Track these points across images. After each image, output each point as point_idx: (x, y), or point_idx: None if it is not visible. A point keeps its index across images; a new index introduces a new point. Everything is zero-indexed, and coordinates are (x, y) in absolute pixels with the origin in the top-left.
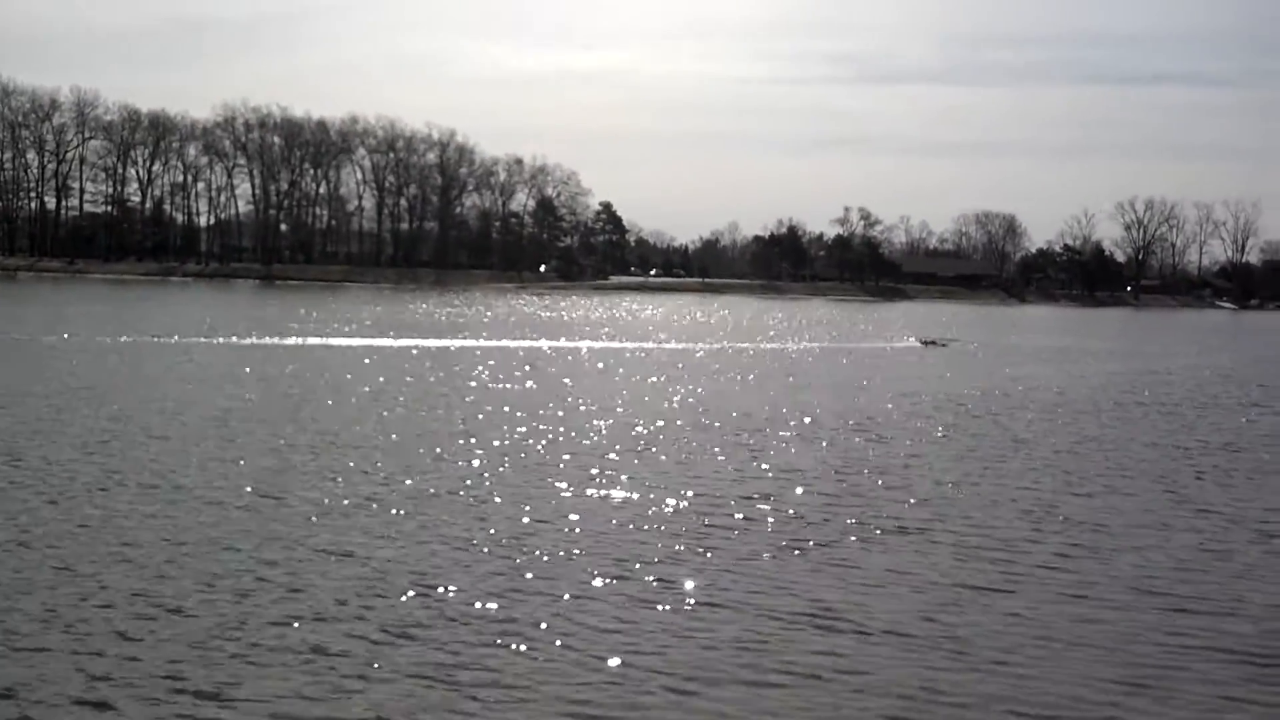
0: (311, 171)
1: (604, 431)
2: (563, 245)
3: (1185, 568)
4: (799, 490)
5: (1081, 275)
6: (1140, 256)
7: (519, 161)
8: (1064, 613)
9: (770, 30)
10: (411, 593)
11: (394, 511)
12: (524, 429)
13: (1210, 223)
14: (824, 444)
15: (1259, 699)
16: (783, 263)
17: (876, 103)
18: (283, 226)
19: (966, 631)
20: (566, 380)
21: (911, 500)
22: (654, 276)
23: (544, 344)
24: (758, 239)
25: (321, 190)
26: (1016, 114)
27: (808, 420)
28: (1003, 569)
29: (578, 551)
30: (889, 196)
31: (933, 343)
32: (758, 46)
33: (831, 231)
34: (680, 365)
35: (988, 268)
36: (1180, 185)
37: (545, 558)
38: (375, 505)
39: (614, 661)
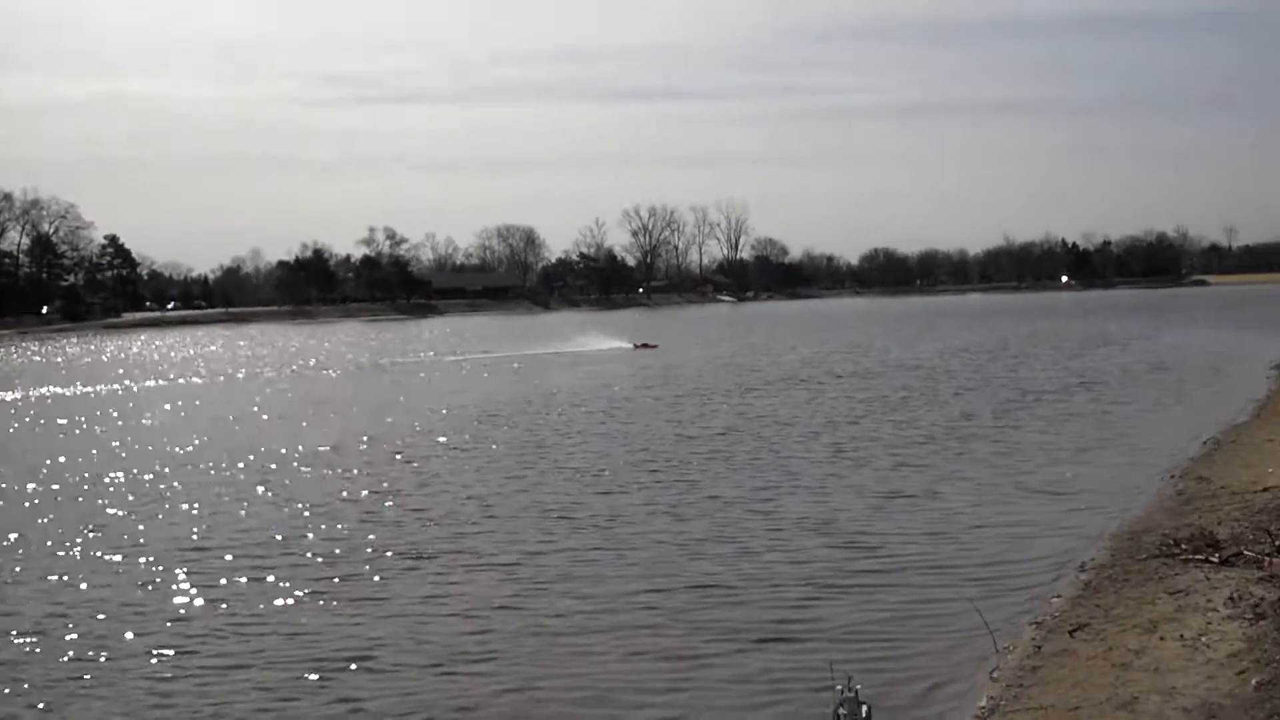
0: None
1: (120, 482)
2: (66, 284)
3: (695, 555)
4: (320, 525)
5: (598, 280)
6: (648, 259)
7: (7, 197)
8: (575, 623)
9: (277, 50)
10: None
11: None
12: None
13: (707, 224)
14: (354, 471)
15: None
16: (310, 287)
17: (392, 122)
18: None
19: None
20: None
21: (432, 522)
22: (172, 310)
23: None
24: (283, 264)
25: None
26: (528, 129)
27: (331, 448)
28: (518, 583)
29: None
30: (413, 214)
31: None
32: (266, 67)
33: (359, 252)
34: (198, 402)
35: (513, 279)
36: (679, 191)
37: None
38: None
39: None
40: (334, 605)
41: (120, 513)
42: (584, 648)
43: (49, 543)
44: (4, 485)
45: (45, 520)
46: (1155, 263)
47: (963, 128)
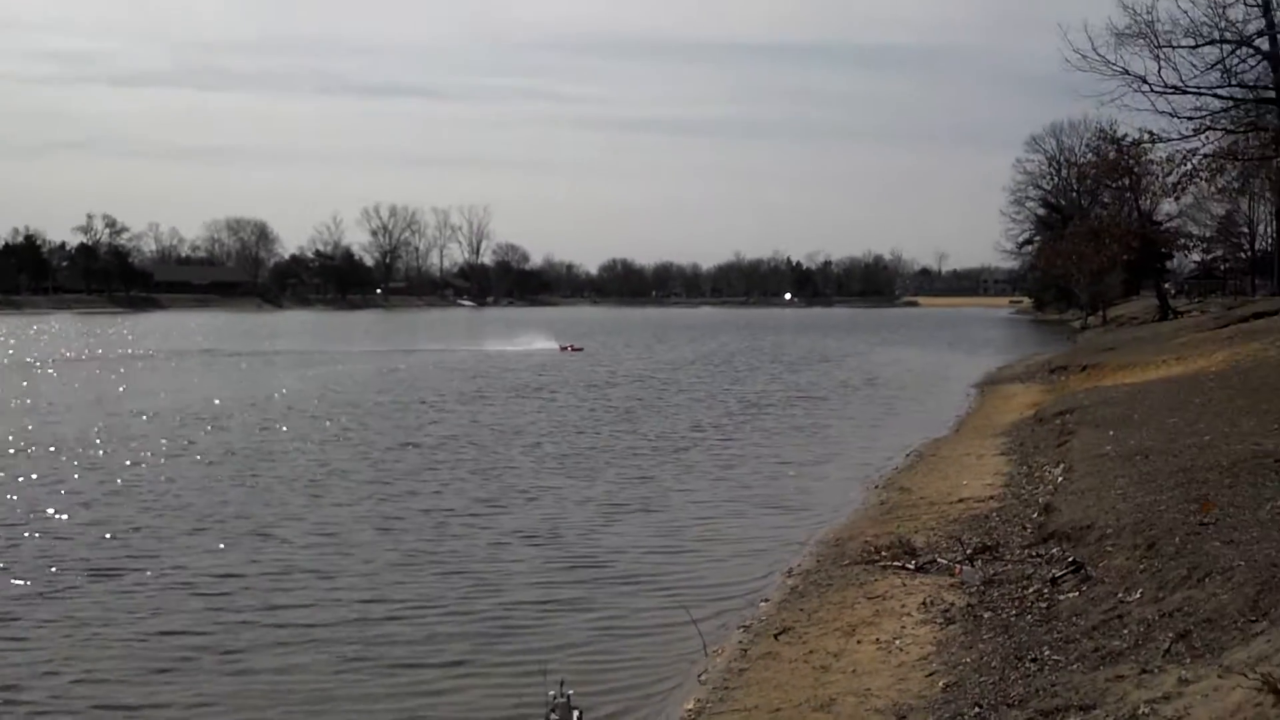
0: None
1: None
2: None
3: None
4: None
5: (335, 279)
6: (388, 260)
7: None
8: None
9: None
10: None
11: None
12: None
13: (449, 227)
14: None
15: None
16: (21, 275)
17: (113, 105)
18: None
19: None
20: None
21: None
22: None
23: None
24: None
25: None
26: (260, 120)
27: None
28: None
29: None
30: (136, 203)
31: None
32: None
33: (75, 240)
34: None
35: (243, 275)
36: (420, 192)
37: None
38: None
39: None
40: None
41: None
42: (284, 664)
43: None
44: None
45: None
46: (872, 283)
47: (700, 145)
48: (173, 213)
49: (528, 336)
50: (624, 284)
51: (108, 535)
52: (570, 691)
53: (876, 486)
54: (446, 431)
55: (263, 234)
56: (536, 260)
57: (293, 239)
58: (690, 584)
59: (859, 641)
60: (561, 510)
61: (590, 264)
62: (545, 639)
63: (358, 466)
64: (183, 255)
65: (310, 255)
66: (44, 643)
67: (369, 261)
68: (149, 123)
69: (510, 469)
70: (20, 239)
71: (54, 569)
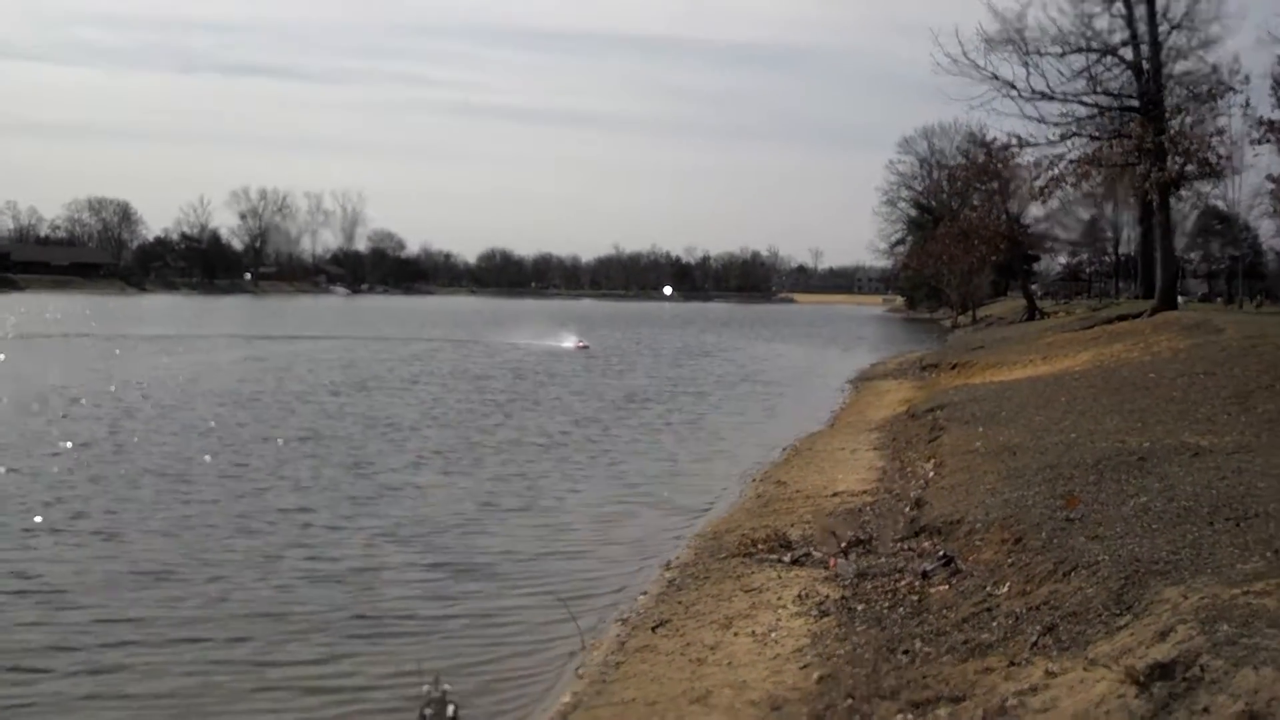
0: None
1: None
2: None
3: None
4: None
5: (201, 263)
6: (257, 245)
7: None
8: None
9: None
10: None
11: None
12: None
13: (321, 212)
14: None
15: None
16: None
17: None
18: None
19: None
20: None
21: None
22: None
23: None
24: None
25: None
26: (118, 97)
27: None
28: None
29: None
30: None
31: None
32: None
33: None
34: None
35: (105, 256)
36: (291, 176)
37: None
38: None
39: None
40: None
41: None
42: (133, 667)
43: None
44: None
45: None
46: (749, 279)
47: (579, 138)
48: (31, 191)
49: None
50: (503, 274)
51: None
52: (446, 686)
53: (754, 480)
54: (314, 424)
55: (125, 214)
56: (413, 249)
57: (158, 221)
58: (569, 579)
59: (735, 634)
60: (436, 507)
61: (469, 253)
62: (418, 636)
63: (216, 461)
64: (42, 235)
65: (176, 238)
66: None
67: (238, 245)
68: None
69: (380, 462)
70: None
71: None
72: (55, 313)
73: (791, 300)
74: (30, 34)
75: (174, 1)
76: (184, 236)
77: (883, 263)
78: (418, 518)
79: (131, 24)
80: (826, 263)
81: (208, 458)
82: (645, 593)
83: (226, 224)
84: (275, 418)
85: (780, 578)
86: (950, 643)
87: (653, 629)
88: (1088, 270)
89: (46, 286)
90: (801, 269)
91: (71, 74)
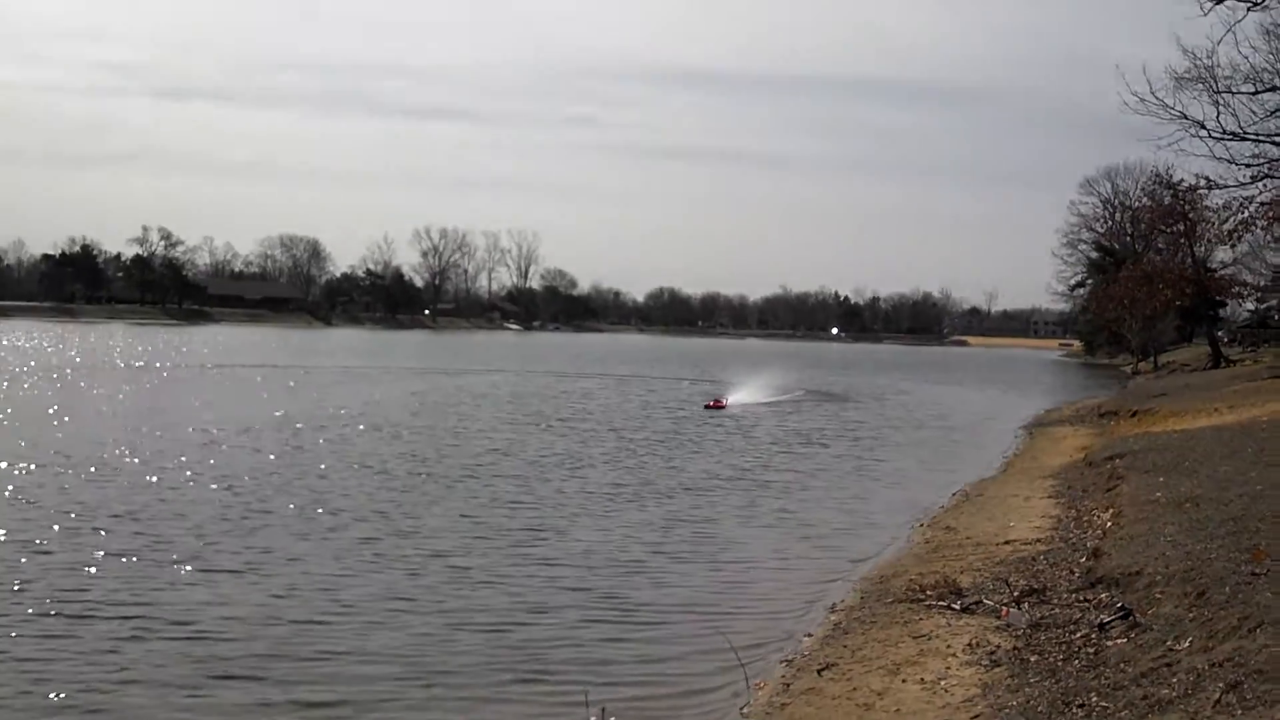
0: None
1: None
2: None
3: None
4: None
5: (384, 299)
6: (437, 281)
7: None
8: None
9: (49, 34)
10: None
11: None
12: None
13: (498, 250)
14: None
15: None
16: (77, 284)
17: (159, 117)
18: None
19: None
20: None
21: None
22: None
23: None
24: (47, 257)
25: None
26: (309, 139)
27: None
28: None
29: None
30: (190, 217)
31: None
32: (38, 50)
33: (130, 251)
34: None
35: (294, 291)
36: (471, 215)
37: None
38: None
39: None
40: None
41: None
42: (329, 681)
43: None
44: None
45: None
46: (920, 320)
47: (749, 177)
48: (227, 228)
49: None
50: (670, 312)
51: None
52: (612, 718)
53: (922, 525)
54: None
55: (315, 251)
56: (584, 286)
57: (344, 257)
58: (734, 619)
59: (903, 680)
60: (603, 545)
61: (637, 292)
62: (584, 664)
63: (391, 493)
64: (236, 270)
65: (361, 274)
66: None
67: (419, 282)
68: (197, 137)
69: (556, 496)
70: (77, 248)
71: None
72: (247, 344)
73: (964, 343)
74: (228, 78)
75: (361, 48)
76: (369, 273)
77: (1060, 306)
78: (585, 554)
79: (322, 70)
80: (1001, 305)
81: (394, 485)
82: (810, 635)
83: (409, 261)
84: (442, 453)
85: (950, 625)
86: (1128, 698)
87: (818, 672)
88: (1276, 317)
89: (239, 319)
90: (974, 311)
91: (266, 117)
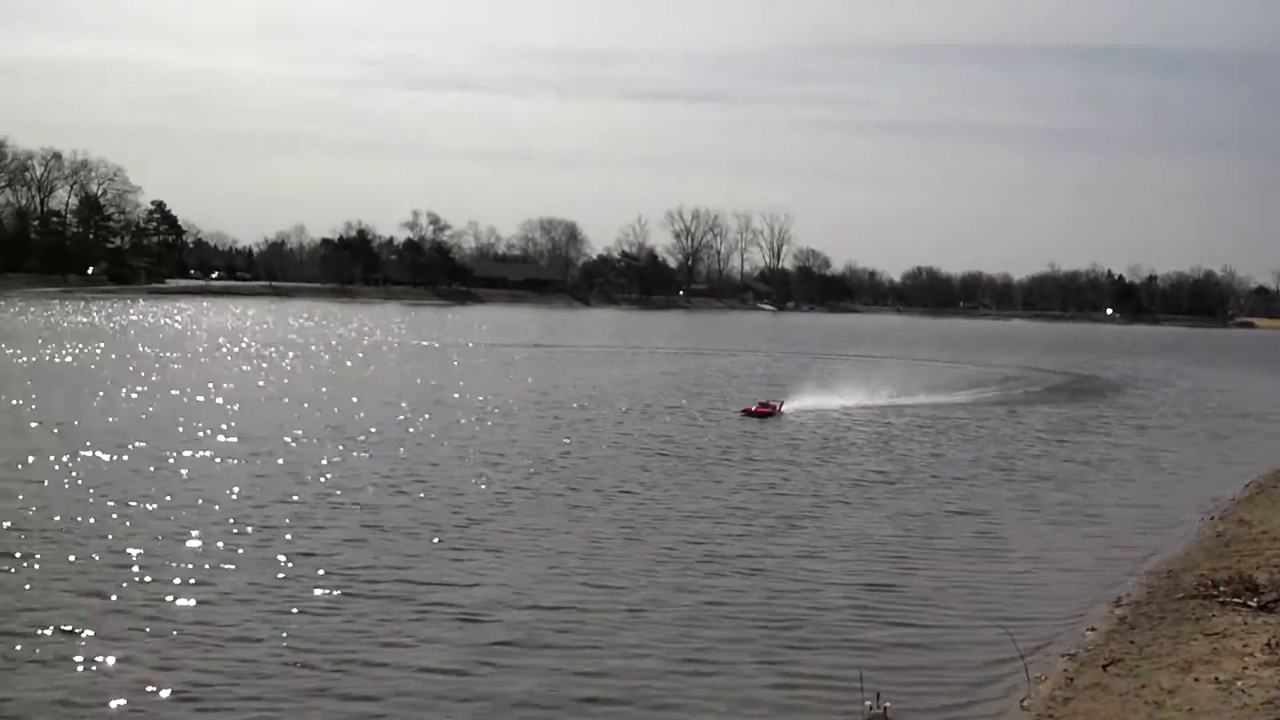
0: None
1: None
2: (112, 246)
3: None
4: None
5: (639, 279)
6: (690, 262)
7: (57, 155)
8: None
9: (320, 29)
10: None
11: None
12: None
13: (750, 231)
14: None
15: None
16: (354, 266)
17: (434, 108)
18: None
19: None
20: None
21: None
22: (215, 280)
23: None
24: (327, 242)
25: None
26: (565, 124)
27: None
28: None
29: None
30: (457, 201)
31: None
32: (309, 45)
33: (402, 235)
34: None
35: (554, 273)
36: (722, 196)
37: None
38: None
39: None
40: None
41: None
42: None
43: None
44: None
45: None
46: (1201, 301)
47: (1007, 152)
48: (489, 212)
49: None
50: (929, 293)
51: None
52: (887, 704)
53: (1212, 518)
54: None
55: (572, 234)
56: (838, 266)
57: (600, 239)
58: (1012, 609)
59: (1195, 679)
60: (877, 528)
61: (894, 271)
62: (860, 645)
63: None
64: (499, 253)
65: (616, 255)
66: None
67: (672, 263)
68: (470, 126)
69: (813, 481)
70: (353, 233)
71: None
72: (513, 324)
73: (1250, 325)
74: (488, 68)
75: (615, 34)
76: (624, 255)
77: None
78: (858, 538)
79: (575, 57)
80: None
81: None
82: (1094, 629)
83: (662, 243)
84: (693, 434)
85: (1246, 623)
86: None
87: (1103, 667)
88: None
89: (502, 300)
90: (1261, 291)
91: (523, 104)
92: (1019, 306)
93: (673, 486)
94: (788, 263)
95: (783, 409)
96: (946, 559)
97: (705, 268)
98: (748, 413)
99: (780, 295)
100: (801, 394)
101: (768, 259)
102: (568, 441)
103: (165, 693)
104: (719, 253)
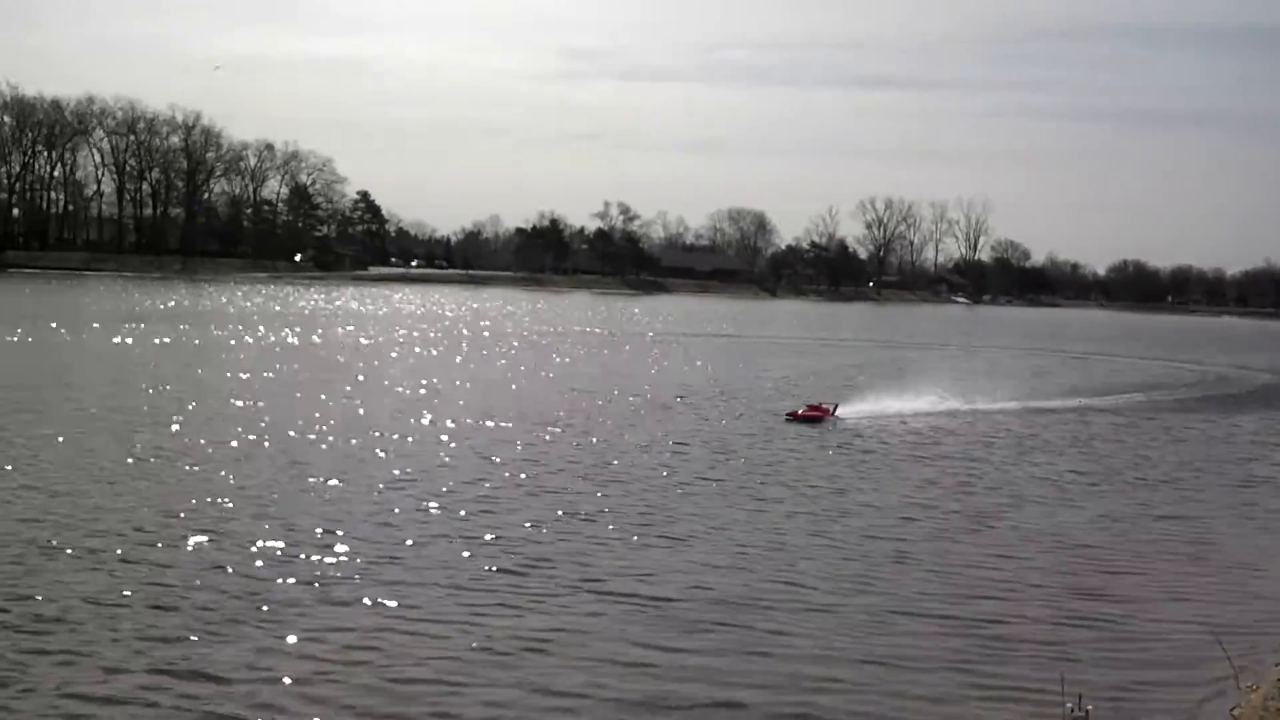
0: (45, 153)
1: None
2: (319, 234)
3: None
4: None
5: (827, 270)
6: (881, 253)
7: (270, 147)
8: None
9: (516, 22)
10: None
11: None
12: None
13: (944, 221)
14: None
15: None
16: (546, 255)
17: (628, 99)
18: (15, 211)
19: None
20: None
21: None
22: (415, 268)
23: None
24: (520, 231)
25: (56, 173)
26: (757, 113)
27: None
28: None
29: None
30: (645, 191)
31: None
32: (505, 37)
33: (592, 225)
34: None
35: (741, 263)
36: (916, 185)
37: None
38: None
39: None
40: None
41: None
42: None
43: None
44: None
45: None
46: None
47: (1222, 141)
48: (678, 201)
49: None
50: (1135, 287)
51: None
52: (1089, 707)
53: None
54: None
55: (761, 224)
56: (1038, 258)
57: (789, 229)
58: (1222, 613)
59: None
60: (1067, 526)
61: (1098, 264)
62: (1061, 645)
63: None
64: (687, 243)
65: (805, 246)
66: None
67: (862, 254)
68: (660, 116)
69: (1005, 480)
70: (546, 223)
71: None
72: (703, 314)
73: None
74: (681, 59)
75: (810, 21)
76: (813, 245)
77: None
78: (1057, 539)
79: (770, 45)
80: None
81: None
82: None
83: (852, 233)
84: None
85: None
86: None
87: None
88: None
89: (690, 290)
90: None
91: (716, 93)
92: (1232, 303)
93: (857, 480)
94: (984, 254)
95: (836, 412)
96: (1150, 563)
97: (897, 259)
98: (794, 417)
99: (976, 288)
100: (1007, 392)
101: (963, 250)
102: (753, 434)
103: (362, 669)
104: (912, 244)
